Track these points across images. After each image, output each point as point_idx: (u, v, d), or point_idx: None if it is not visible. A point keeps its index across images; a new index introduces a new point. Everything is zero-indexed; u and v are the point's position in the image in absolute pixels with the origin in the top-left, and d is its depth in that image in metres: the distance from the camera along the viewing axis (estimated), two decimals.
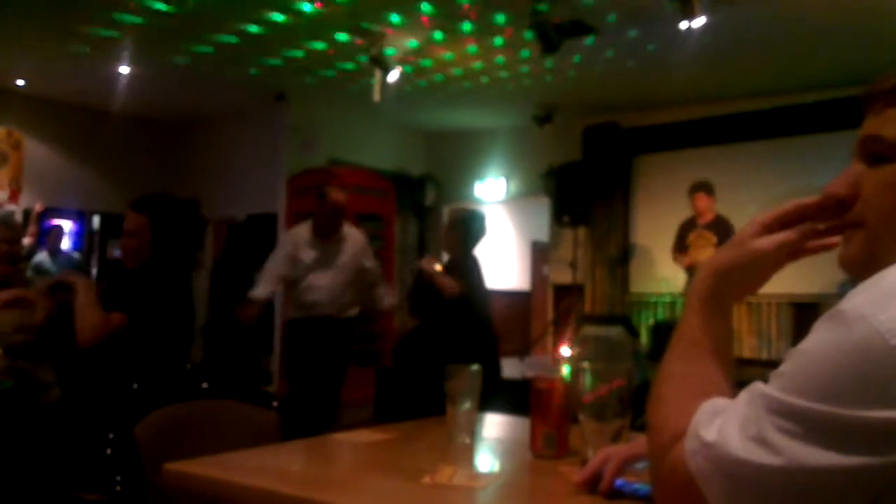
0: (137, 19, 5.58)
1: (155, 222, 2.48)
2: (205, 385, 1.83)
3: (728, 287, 0.87)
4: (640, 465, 1.08)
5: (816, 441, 0.63)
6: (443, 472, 1.21)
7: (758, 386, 0.70)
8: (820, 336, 0.67)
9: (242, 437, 1.58)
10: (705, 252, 5.83)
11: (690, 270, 6.03)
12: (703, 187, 5.99)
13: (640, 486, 1.06)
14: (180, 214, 2.55)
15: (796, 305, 6.58)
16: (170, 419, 1.64)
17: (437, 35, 5.80)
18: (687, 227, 6.05)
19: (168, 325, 2.31)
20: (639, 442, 1.10)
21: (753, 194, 6.81)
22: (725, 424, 0.70)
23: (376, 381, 5.98)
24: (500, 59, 6.29)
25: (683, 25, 4.77)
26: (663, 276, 7.12)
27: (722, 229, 5.83)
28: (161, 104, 8.02)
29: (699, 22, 4.71)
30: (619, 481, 1.10)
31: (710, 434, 0.71)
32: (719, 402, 0.76)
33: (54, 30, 5.90)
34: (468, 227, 4.26)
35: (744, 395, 0.71)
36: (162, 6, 5.31)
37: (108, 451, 1.64)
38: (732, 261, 0.86)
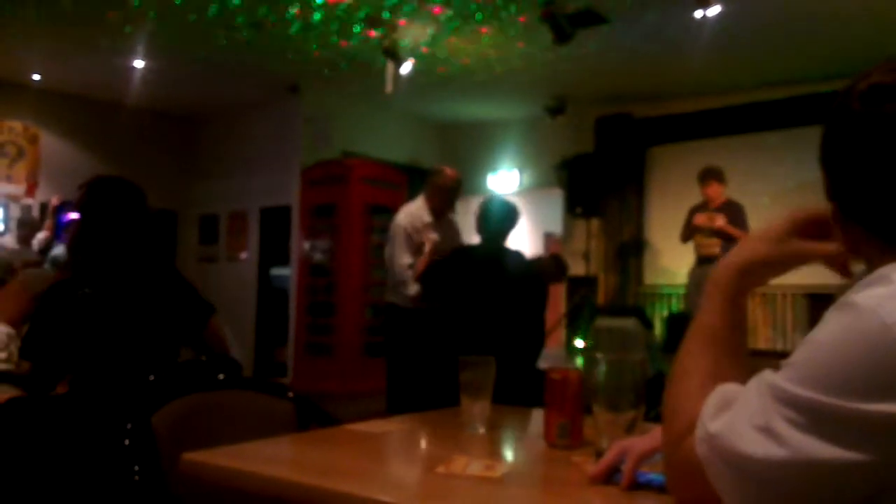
0: (152, 13, 5.60)
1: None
2: (221, 376, 1.84)
3: (752, 280, 0.87)
4: (656, 457, 1.08)
5: (821, 434, 0.63)
6: (457, 462, 1.22)
7: (767, 375, 0.70)
8: (830, 326, 0.67)
9: (259, 428, 1.59)
10: (710, 240, 5.81)
11: (696, 250, 5.99)
12: (714, 174, 5.92)
13: (655, 476, 1.06)
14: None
15: (811, 296, 6.54)
16: (187, 410, 1.66)
17: (451, 25, 5.79)
18: (696, 211, 6.02)
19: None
20: (654, 435, 1.10)
21: (768, 185, 6.76)
22: (734, 414, 0.71)
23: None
24: (513, 48, 6.26)
25: (698, 14, 4.73)
26: (677, 267, 7.08)
27: (732, 211, 5.78)
28: (176, 97, 8.05)
29: (714, 11, 4.68)
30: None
31: (716, 424, 0.72)
32: (729, 389, 0.77)
33: (70, 24, 5.93)
34: (483, 214, 4.21)
35: (753, 383, 0.72)
36: (176, 1, 5.33)
37: (126, 442, 1.66)
38: (769, 256, 0.87)
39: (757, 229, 0.90)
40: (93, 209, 2.37)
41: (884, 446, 0.61)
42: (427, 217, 4.46)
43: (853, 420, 0.62)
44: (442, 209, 4.49)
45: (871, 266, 0.75)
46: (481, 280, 4.15)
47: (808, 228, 0.86)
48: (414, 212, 4.44)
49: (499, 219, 4.21)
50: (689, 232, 6.01)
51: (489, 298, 4.12)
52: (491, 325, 4.04)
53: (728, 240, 5.70)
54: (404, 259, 4.34)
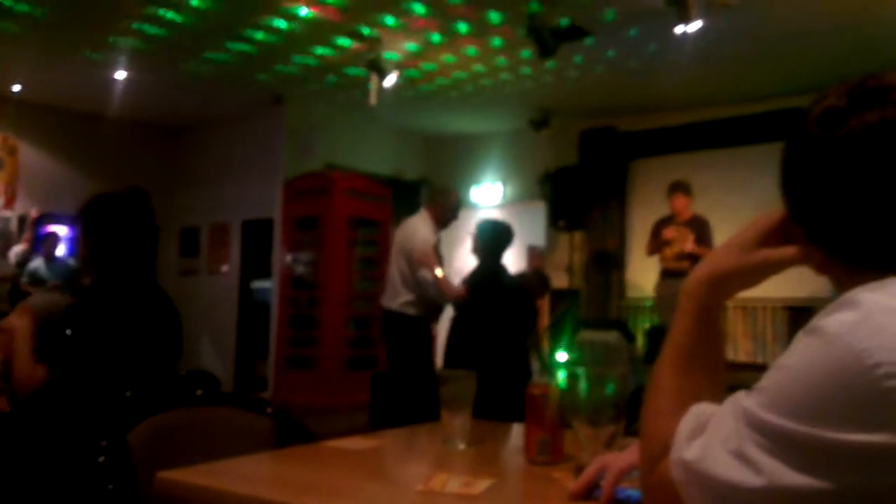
0: (135, 24, 5.58)
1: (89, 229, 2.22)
2: (199, 392, 1.82)
3: (725, 291, 0.87)
4: (635, 473, 1.07)
5: (793, 462, 0.63)
6: (436, 479, 1.21)
7: (741, 398, 0.70)
8: (800, 352, 0.67)
9: (237, 445, 1.57)
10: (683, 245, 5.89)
11: (662, 263, 6.07)
12: (681, 187, 6.07)
13: (633, 491, 1.06)
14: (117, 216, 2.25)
15: (791, 309, 6.59)
16: (163, 427, 1.63)
17: (435, 38, 5.81)
18: (662, 224, 6.10)
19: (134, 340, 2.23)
20: (634, 450, 1.10)
21: (748, 199, 6.81)
22: (708, 438, 0.70)
23: (372, 385, 5.97)
24: (498, 62, 6.29)
25: (679, 30, 4.78)
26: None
27: (699, 226, 5.89)
28: (158, 108, 8.01)
29: (695, 26, 4.72)
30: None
31: (691, 449, 0.71)
32: (703, 410, 0.76)
33: (51, 35, 5.89)
34: (490, 237, 4.64)
35: (728, 406, 0.71)
36: (161, 12, 5.31)
37: (101, 460, 1.63)
38: (736, 267, 0.86)
39: (725, 240, 0.90)
40: (113, 224, 2.30)
41: (855, 476, 0.61)
42: (438, 234, 4.84)
43: (825, 449, 0.61)
44: (444, 226, 4.86)
45: (841, 286, 0.75)
46: (484, 299, 4.53)
47: (776, 235, 0.86)
48: (434, 229, 4.76)
49: (496, 240, 4.66)
50: (657, 245, 6.09)
51: (491, 316, 4.49)
52: (494, 342, 4.33)
53: (697, 260, 5.76)
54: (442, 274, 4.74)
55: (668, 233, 6.01)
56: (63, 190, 7.89)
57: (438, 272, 4.65)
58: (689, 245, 5.85)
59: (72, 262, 7.63)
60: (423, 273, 4.56)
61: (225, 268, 8.39)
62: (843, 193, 0.74)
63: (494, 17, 5.38)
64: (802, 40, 5.69)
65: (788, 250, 0.83)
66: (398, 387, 4.69)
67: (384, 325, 4.85)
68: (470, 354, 4.37)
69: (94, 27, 5.66)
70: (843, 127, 0.74)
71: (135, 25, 5.59)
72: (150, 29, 5.64)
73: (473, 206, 8.73)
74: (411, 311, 4.68)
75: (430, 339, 4.85)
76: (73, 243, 8.01)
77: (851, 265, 0.76)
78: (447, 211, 4.85)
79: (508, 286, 4.76)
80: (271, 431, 1.71)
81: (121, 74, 6.78)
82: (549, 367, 5.80)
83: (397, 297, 4.70)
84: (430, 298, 4.63)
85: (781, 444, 0.64)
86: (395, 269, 4.73)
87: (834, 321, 0.65)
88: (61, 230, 7.74)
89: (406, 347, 4.73)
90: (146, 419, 1.63)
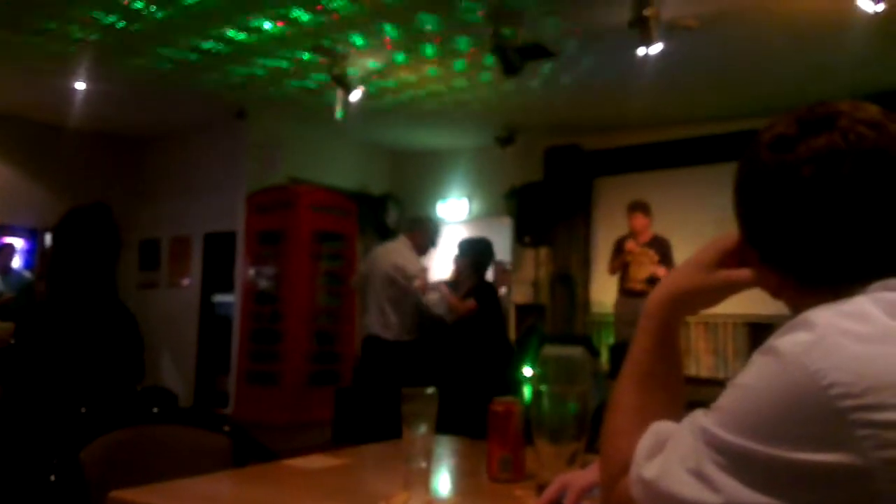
0: (95, 34, 5.48)
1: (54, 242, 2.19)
2: (155, 409, 1.78)
3: (686, 310, 0.88)
4: (595, 491, 1.07)
5: (750, 481, 0.63)
6: (397, 498, 1.19)
7: (699, 417, 0.70)
8: (755, 371, 0.68)
9: (193, 463, 1.53)
10: (646, 269, 5.96)
11: (623, 282, 6.14)
12: (640, 207, 6.15)
13: None
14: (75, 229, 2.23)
15: (752, 325, 6.70)
16: (117, 444, 1.59)
17: (400, 56, 5.82)
18: (623, 243, 6.18)
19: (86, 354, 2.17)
20: (595, 468, 1.10)
21: (710, 217, 6.92)
22: (667, 456, 0.71)
23: (335, 401, 5.92)
24: (462, 81, 6.32)
25: (641, 51, 4.85)
26: None
27: (661, 247, 5.97)
28: (118, 119, 7.88)
29: (657, 48, 4.79)
30: None
31: (650, 467, 0.71)
32: (662, 428, 0.77)
33: (6, 43, 5.77)
34: (473, 254, 4.79)
35: (686, 424, 0.72)
36: (120, 21, 5.23)
37: (52, 478, 1.58)
38: (697, 286, 0.87)
39: (686, 259, 0.91)
40: (69, 238, 2.25)
41: (810, 494, 0.61)
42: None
43: (781, 468, 0.62)
44: (423, 254, 4.94)
45: (794, 308, 0.76)
46: (491, 311, 4.74)
47: (734, 256, 0.87)
48: (416, 255, 4.84)
49: (479, 256, 4.85)
50: (619, 263, 6.17)
51: (498, 326, 4.78)
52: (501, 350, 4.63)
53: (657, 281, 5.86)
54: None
55: (630, 244, 6.08)
56: (20, 201, 7.71)
57: (443, 290, 4.71)
58: (655, 268, 5.92)
59: (27, 274, 7.44)
60: (430, 296, 4.61)
61: (186, 281, 8.26)
62: (792, 217, 0.75)
63: (460, 39, 5.41)
64: (761, 63, 5.81)
65: (745, 272, 0.85)
66: (370, 404, 4.64)
67: (376, 354, 4.73)
68: (475, 365, 4.45)
69: (52, 37, 5.55)
70: (792, 152, 0.75)
71: (94, 36, 5.50)
72: (106, 37, 5.54)
73: (440, 221, 8.73)
74: (406, 336, 4.69)
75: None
76: (30, 255, 7.83)
77: (804, 285, 0.77)
78: (427, 239, 4.93)
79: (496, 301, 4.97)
80: (229, 450, 1.67)
81: (80, 84, 6.65)
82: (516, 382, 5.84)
83: (391, 325, 4.65)
84: (437, 317, 4.64)
85: (739, 463, 0.64)
86: (383, 297, 4.66)
87: (789, 342, 0.66)
88: (17, 242, 7.56)
89: (403, 372, 4.65)
90: (100, 436, 1.58)
